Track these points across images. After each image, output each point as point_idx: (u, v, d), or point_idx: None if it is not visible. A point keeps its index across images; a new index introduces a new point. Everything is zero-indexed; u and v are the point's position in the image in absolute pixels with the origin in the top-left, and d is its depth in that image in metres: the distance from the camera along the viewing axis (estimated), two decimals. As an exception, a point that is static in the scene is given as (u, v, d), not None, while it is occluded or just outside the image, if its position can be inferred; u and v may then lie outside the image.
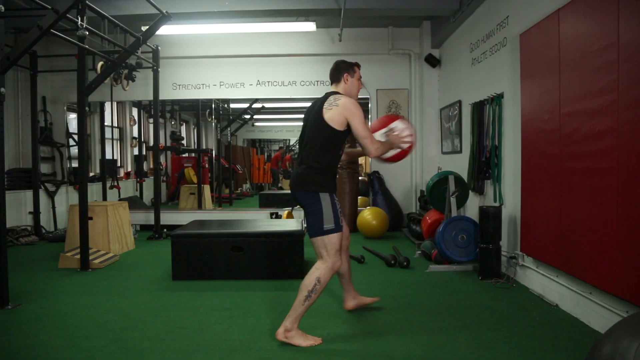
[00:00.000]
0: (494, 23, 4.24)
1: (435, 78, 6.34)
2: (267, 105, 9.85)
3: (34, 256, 4.94)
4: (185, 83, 6.65)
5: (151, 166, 9.22)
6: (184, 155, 9.89)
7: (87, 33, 3.82)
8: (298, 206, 6.48)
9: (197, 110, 8.67)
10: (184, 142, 10.82)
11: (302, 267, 3.87)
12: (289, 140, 14.61)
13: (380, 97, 6.61)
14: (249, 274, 3.86)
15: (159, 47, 5.93)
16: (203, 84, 6.65)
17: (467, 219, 4.13)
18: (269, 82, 6.60)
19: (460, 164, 5.10)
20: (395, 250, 4.90)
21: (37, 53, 6.04)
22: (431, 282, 3.76)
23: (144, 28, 4.88)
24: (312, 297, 2.47)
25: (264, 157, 13.61)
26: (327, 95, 2.62)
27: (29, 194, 6.03)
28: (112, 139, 8.65)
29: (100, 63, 4.86)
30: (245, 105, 9.53)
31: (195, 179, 9.06)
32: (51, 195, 6.37)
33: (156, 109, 6.00)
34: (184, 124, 11.23)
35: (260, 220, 4.77)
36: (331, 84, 2.75)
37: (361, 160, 10.38)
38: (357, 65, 2.77)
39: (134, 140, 8.96)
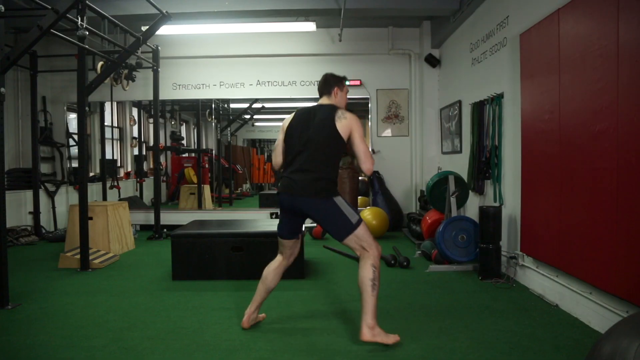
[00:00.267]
0: (494, 23, 4.24)
1: (435, 78, 6.34)
2: (267, 105, 9.85)
3: (34, 256, 4.94)
4: (185, 83, 6.65)
5: (151, 166, 9.22)
6: (184, 155, 9.89)
7: (87, 33, 3.81)
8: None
9: (197, 110, 8.67)
10: (184, 142, 10.82)
11: (302, 267, 3.87)
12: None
13: (380, 97, 6.61)
14: (249, 274, 3.85)
15: (159, 47, 5.93)
16: (203, 84, 6.65)
17: (467, 219, 4.13)
18: (269, 82, 6.60)
19: (460, 164, 5.10)
20: (395, 250, 4.90)
21: (37, 53, 6.04)
22: (431, 282, 3.76)
23: (144, 28, 4.88)
24: (377, 284, 2.49)
25: (264, 157, 13.60)
26: (332, 107, 2.63)
27: (29, 194, 6.03)
28: (112, 139, 8.65)
29: (100, 63, 4.86)
30: (245, 105, 9.52)
31: (195, 179, 9.06)
32: (51, 195, 6.37)
33: (156, 109, 6.00)
34: (184, 124, 11.23)
35: (260, 220, 4.77)
36: (320, 97, 2.77)
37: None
38: (345, 79, 2.84)
39: (134, 140, 8.96)
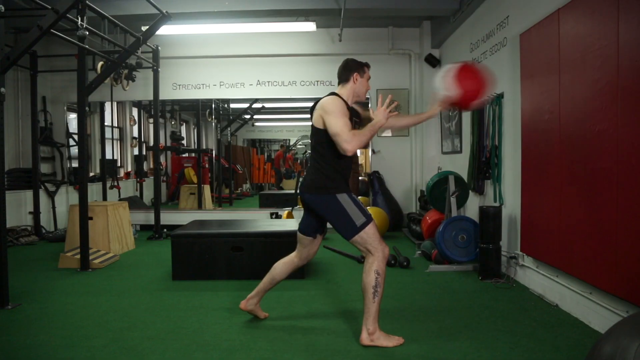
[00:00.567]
0: (494, 23, 4.24)
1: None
2: (267, 105, 9.86)
3: (34, 256, 4.94)
4: (185, 83, 6.65)
5: (151, 166, 9.23)
6: (184, 155, 9.90)
7: (87, 33, 3.82)
8: (298, 206, 6.51)
9: (197, 110, 8.67)
10: (184, 142, 10.83)
11: (302, 267, 3.86)
12: (289, 140, 14.62)
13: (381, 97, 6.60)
14: (249, 274, 3.85)
15: (159, 47, 5.93)
16: (203, 84, 6.64)
17: (467, 219, 4.13)
18: (269, 82, 6.59)
19: (460, 164, 5.10)
20: (395, 250, 4.89)
21: (37, 53, 6.04)
22: (431, 282, 3.76)
23: (144, 28, 4.88)
24: (379, 291, 2.44)
25: (264, 157, 13.61)
26: (322, 98, 2.57)
27: (29, 194, 6.03)
28: (112, 139, 8.65)
29: (100, 63, 4.86)
30: (245, 105, 9.53)
31: (195, 179, 9.06)
32: (51, 195, 6.37)
33: (156, 109, 6.00)
34: (184, 124, 11.24)
35: (260, 220, 4.77)
36: (338, 84, 2.65)
37: (361, 160, 10.39)
38: (367, 65, 2.68)
39: (134, 140, 8.96)
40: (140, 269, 4.29)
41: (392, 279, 3.89)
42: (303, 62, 6.54)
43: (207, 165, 9.30)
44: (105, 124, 7.29)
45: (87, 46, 4.11)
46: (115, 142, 8.85)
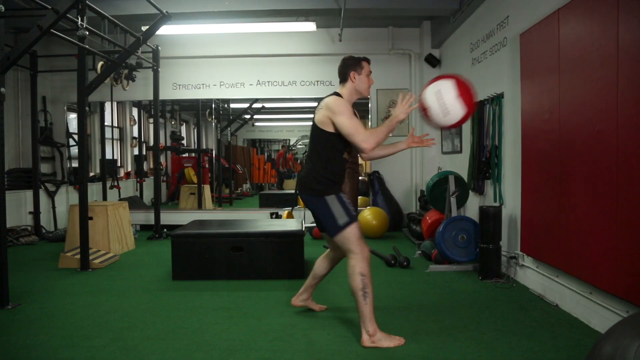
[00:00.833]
0: (494, 23, 4.24)
1: (435, 78, 6.33)
2: (267, 105, 9.85)
3: (34, 256, 4.94)
4: (185, 83, 6.65)
5: (151, 166, 9.23)
6: (184, 155, 9.90)
7: (87, 33, 3.82)
8: (298, 206, 6.51)
9: (197, 110, 8.67)
10: (184, 142, 10.83)
11: (302, 267, 3.87)
12: (289, 140, 14.62)
13: (381, 97, 6.61)
14: (249, 274, 3.86)
15: (159, 47, 5.93)
16: (203, 84, 6.65)
17: (467, 219, 4.13)
18: (269, 82, 6.60)
19: (460, 164, 5.10)
20: (395, 250, 4.89)
21: (37, 53, 6.04)
22: (431, 282, 3.76)
23: (144, 28, 4.88)
24: (368, 292, 2.45)
25: (264, 157, 13.61)
26: (325, 98, 2.58)
27: (29, 194, 6.03)
28: (112, 139, 8.65)
29: (100, 63, 4.86)
30: (245, 105, 9.53)
31: (195, 179, 9.06)
32: (51, 195, 6.37)
33: (156, 109, 6.00)
34: (184, 124, 11.24)
35: (260, 220, 4.77)
36: (339, 83, 2.64)
37: (361, 160, 10.38)
38: (366, 60, 2.64)
39: (134, 140, 8.96)
40: (140, 269, 4.29)
41: (392, 278, 3.89)
42: (303, 62, 6.53)
43: (207, 165, 9.30)
44: (105, 124, 7.29)
45: (87, 46, 4.11)
46: (115, 142, 8.85)
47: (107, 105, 7.27)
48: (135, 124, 8.67)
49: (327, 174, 2.53)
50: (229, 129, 9.98)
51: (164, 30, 5.19)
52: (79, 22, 3.73)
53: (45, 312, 3.07)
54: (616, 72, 2.39)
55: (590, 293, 2.75)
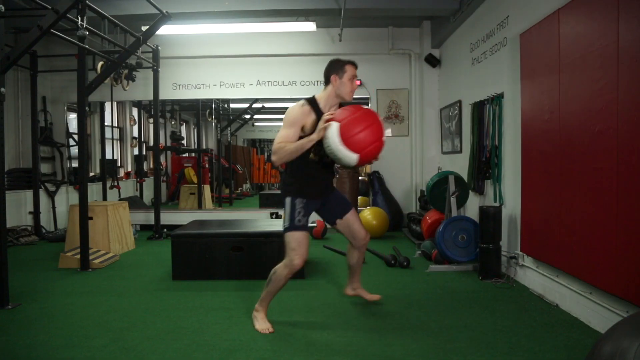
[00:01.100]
0: (494, 23, 4.24)
1: (435, 78, 6.34)
2: (267, 105, 9.85)
3: (34, 256, 4.94)
4: (185, 83, 6.65)
5: (151, 166, 9.23)
6: (184, 155, 9.90)
7: (87, 33, 3.81)
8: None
9: (197, 110, 8.67)
10: (184, 142, 10.83)
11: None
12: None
13: (380, 97, 6.61)
14: (249, 274, 3.86)
15: (159, 47, 5.93)
16: (203, 84, 6.65)
17: (467, 219, 4.13)
18: (269, 82, 6.60)
19: (460, 164, 5.10)
20: (395, 250, 4.89)
21: (37, 53, 6.04)
22: (431, 282, 3.76)
23: (144, 28, 4.88)
24: (270, 285, 2.69)
25: (264, 157, 13.61)
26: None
27: (29, 194, 6.03)
28: (112, 139, 8.65)
29: (100, 63, 4.86)
30: (245, 105, 9.53)
31: (195, 179, 9.07)
32: (51, 195, 6.37)
33: (156, 109, 6.00)
34: (184, 124, 11.24)
35: (260, 220, 4.77)
36: (324, 85, 2.71)
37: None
38: (351, 63, 2.63)
39: (134, 140, 8.97)
40: (140, 269, 4.29)
41: (392, 278, 3.89)
42: (303, 62, 6.53)
43: (207, 165, 9.30)
44: (105, 124, 7.29)
45: (87, 46, 4.11)
46: (115, 142, 8.85)
47: (107, 105, 7.28)
48: (135, 124, 8.67)
49: (292, 176, 2.66)
50: (229, 129, 9.99)
51: (164, 30, 5.19)
52: (79, 22, 3.73)
53: (45, 312, 3.07)
54: (616, 72, 2.39)
55: (590, 293, 2.75)
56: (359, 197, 6.71)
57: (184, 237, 3.88)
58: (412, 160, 6.57)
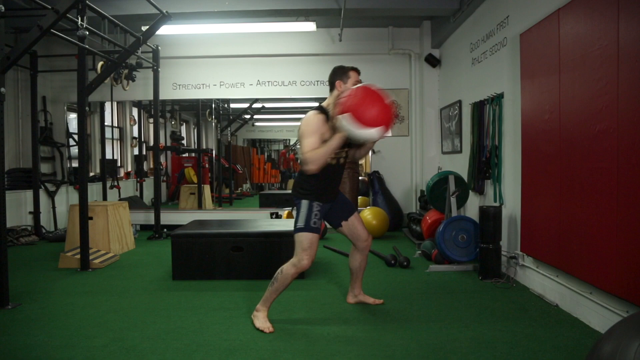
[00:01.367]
0: (494, 23, 4.24)
1: (435, 78, 6.34)
2: (267, 105, 9.86)
3: (34, 256, 4.94)
4: (185, 83, 6.65)
5: (151, 166, 9.23)
6: (184, 155, 9.90)
7: (87, 33, 3.82)
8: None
9: (197, 110, 8.67)
10: (184, 142, 10.83)
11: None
12: (289, 140, 14.62)
13: (380, 97, 6.60)
14: (249, 274, 3.86)
15: (159, 47, 5.94)
16: (203, 84, 6.65)
17: (467, 219, 4.13)
18: (269, 82, 6.60)
19: (460, 164, 5.10)
20: (395, 250, 4.89)
21: (37, 53, 6.04)
22: (431, 282, 3.76)
23: (144, 28, 4.88)
24: (275, 284, 2.71)
25: (264, 157, 13.61)
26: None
27: (29, 194, 6.03)
28: (112, 139, 8.65)
29: (100, 63, 4.86)
30: (245, 105, 9.53)
31: (195, 179, 9.07)
32: (51, 195, 6.37)
33: (156, 109, 6.00)
34: (184, 124, 11.24)
35: (260, 220, 4.77)
36: (329, 92, 2.77)
37: (361, 160, 10.39)
38: (354, 69, 2.72)
39: (134, 140, 8.96)
40: (140, 269, 4.29)
41: (392, 278, 3.89)
42: (303, 62, 6.54)
43: (207, 165, 9.30)
44: (105, 124, 7.29)
45: (87, 46, 4.11)
46: (115, 142, 8.85)
47: (107, 105, 7.27)
48: (135, 124, 8.67)
49: (315, 181, 2.68)
50: (229, 129, 9.98)
51: (164, 30, 5.19)
52: (79, 22, 3.73)
53: (45, 312, 3.07)
54: (617, 72, 2.39)
55: (591, 293, 2.75)
56: (359, 197, 6.73)
57: (184, 237, 3.88)
58: (412, 160, 6.57)
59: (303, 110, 11.06)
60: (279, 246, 3.88)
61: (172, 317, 2.95)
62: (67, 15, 3.53)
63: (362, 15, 5.88)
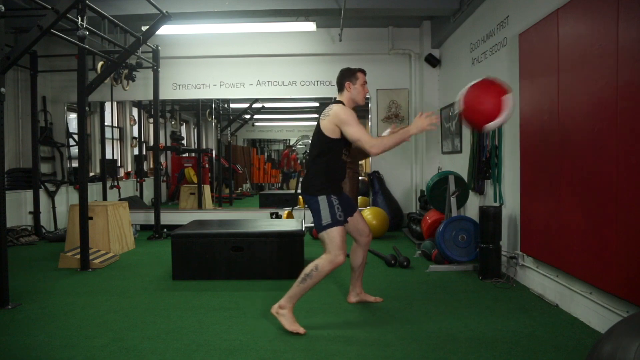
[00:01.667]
0: (494, 23, 4.24)
1: (435, 78, 6.34)
2: (267, 105, 9.86)
3: (34, 256, 4.94)
4: (185, 83, 6.65)
5: (151, 166, 9.23)
6: (184, 155, 9.90)
7: (87, 33, 3.82)
8: (298, 206, 6.51)
9: (197, 110, 8.67)
10: (184, 142, 10.82)
11: (302, 267, 3.82)
12: (289, 140, 14.62)
13: (381, 97, 6.61)
14: (249, 274, 3.86)
15: (159, 47, 5.94)
16: (203, 84, 6.65)
17: (467, 219, 4.13)
18: (269, 82, 6.60)
19: (460, 164, 5.10)
20: (395, 250, 4.90)
21: (37, 53, 6.04)
22: (431, 282, 3.76)
23: (144, 28, 4.88)
24: (308, 281, 2.67)
25: (264, 157, 13.61)
26: (330, 104, 2.78)
27: (29, 194, 6.04)
28: (112, 139, 8.65)
29: (100, 63, 4.87)
30: (245, 105, 9.53)
31: (195, 179, 9.07)
32: (51, 195, 6.37)
33: (156, 109, 6.00)
34: (184, 124, 11.23)
35: (260, 220, 4.77)
36: (338, 92, 2.88)
37: (361, 160, 10.39)
38: (361, 71, 2.87)
39: (134, 140, 8.96)
40: (140, 269, 4.29)
41: (392, 278, 3.89)
42: (303, 62, 6.54)
43: (207, 165, 9.30)
44: (105, 124, 7.29)
45: (87, 46, 4.11)
46: (115, 142, 8.85)
47: (107, 105, 7.28)
48: (135, 124, 8.67)
49: (326, 175, 2.73)
50: (229, 129, 9.98)
51: (164, 30, 5.19)
52: (79, 22, 3.73)
53: (45, 312, 3.07)
54: (616, 72, 2.39)
55: (590, 293, 2.75)
56: (359, 197, 6.71)
57: (184, 237, 3.88)
58: (412, 160, 6.57)
59: (303, 110, 11.13)
60: (279, 246, 3.88)
61: (172, 317, 2.95)
62: (67, 15, 3.53)
63: (362, 15, 5.88)
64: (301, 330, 2.63)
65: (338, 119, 2.64)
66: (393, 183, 6.61)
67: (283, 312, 2.68)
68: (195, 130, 9.68)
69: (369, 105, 6.65)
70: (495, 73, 4.23)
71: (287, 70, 6.57)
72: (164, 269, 4.21)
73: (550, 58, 3.05)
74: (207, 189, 8.45)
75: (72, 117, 7.05)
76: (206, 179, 9.04)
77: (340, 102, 2.81)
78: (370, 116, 6.70)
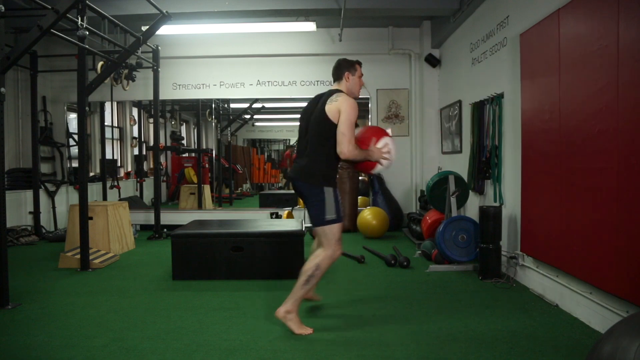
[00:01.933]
0: (494, 23, 4.24)
1: (435, 78, 6.34)
2: (267, 105, 9.85)
3: (34, 256, 4.94)
4: (185, 83, 6.65)
5: (151, 166, 9.23)
6: (184, 155, 9.90)
7: (87, 33, 3.82)
8: (298, 206, 6.50)
9: (197, 110, 8.67)
10: (184, 142, 10.83)
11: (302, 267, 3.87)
12: (289, 140, 14.62)
13: (380, 97, 6.61)
14: (249, 274, 3.86)
15: (159, 47, 5.93)
16: (203, 84, 6.65)
17: (467, 219, 4.12)
18: (269, 82, 6.60)
19: (460, 164, 5.10)
20: (395, 250, 4.89)
21: (37, 53, 6.04)
22: (431, 282, 3.76)
23: (144, 28, 4.88)
24: (311, 281, 2.63)
25: (264, 157, 13.61)
26: (331, 91, 2.72)
27: (29, 194, 6.03)
28: (112, 139, 8.65)
29: (100, 63, 4.86)
30: (245, 105, 9.53)
31: (195, 179, 9.07)
32: (51, 195, 6.37)
33: (156, 109, 6.00)
34: (184, 124, 11.23)
35: (260, 220, 4.77)
36: (333, 82, 2.84)
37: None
38: (359, 63, 2.84)
39: (134, 140, 8.96)
40: (140, 269, 4.29)
41: (392, 279, 3.89)
42: (303, 62, 6.54)
43: (207, 165, 9.30)
44: (105, 124, 7.29)
45: (87, 46, 4.11)
46: (115, 142, 8.85)
47: (107, 105, 7.27)
48: (135, 124, 8.67)
49: (327, 163, 2.66)
50: (229, 129, 9.98)
51: (164, 30, 5.19)
52: (79, 22, 3.73)
53: (45, 312, 3.07)
54: (616, 72, 2.39)
55: (590, 293, 2.75)
56: (359, 197, 6.72)
57: (184, 237, 3.88)
58: (412, 160, 6.57)
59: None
60: (278, 246, 3.88)
61: (172, 317, 2.95)
62: (67, 15, 3.52)
63: (362, 15, 5.88)
64: (309, 330, 2.63)
65: (343, 106, 2.56)
66: (393, 183, 6.61)
67: (291, 317, 2.64)
68: (195, 130, 9.69)
69: (369, 105, 6.65)
70: (495, 73, 4.23)
71: (287, 70, 6.58)
72: (164, 269, 4.21)
73: (551, 58, 3.05)
74: (207, 189, 8.45)
75: (72, 117, 7.05)
76: (206, 179, 9.04)
77: (341, 91, 2.75)
78: (370, 116, 6.70)
